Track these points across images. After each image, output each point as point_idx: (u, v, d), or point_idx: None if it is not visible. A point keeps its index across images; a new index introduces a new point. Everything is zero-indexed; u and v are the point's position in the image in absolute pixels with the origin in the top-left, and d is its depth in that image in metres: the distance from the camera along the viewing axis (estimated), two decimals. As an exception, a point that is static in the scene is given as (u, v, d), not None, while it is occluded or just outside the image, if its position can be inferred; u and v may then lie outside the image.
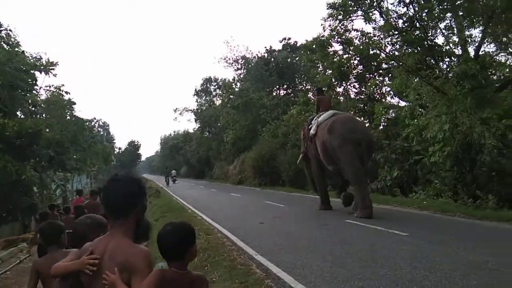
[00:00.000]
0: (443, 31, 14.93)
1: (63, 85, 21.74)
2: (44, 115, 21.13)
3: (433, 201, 12.17)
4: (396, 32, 15.25)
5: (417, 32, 14.83)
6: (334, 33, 17.03)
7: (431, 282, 4.74)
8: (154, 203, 17.95)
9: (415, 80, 15.00)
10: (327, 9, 16.36)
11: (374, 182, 16.26)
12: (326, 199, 12.53)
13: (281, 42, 35.08)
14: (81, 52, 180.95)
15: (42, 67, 19.13)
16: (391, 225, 8.66)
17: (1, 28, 18.39)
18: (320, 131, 11.41)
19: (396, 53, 16.02)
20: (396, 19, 15.09)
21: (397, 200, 13.30)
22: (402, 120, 16.26)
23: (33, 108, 20.68)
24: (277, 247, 7.16)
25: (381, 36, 15.69)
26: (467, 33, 14.55)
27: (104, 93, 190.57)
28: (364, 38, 16.19)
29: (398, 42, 15.49)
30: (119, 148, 72.44)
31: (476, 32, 14.64)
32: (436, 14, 14.18)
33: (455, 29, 14.59)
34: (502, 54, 15.09)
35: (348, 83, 19.89)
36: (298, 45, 33.46)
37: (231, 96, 34.99)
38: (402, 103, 18.38)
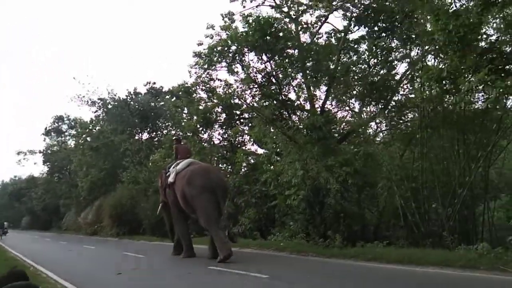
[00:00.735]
0: (295, 88, 16.84)
1: None
2: None
3: (289, 242, 12.99)
4: (256, 86, 16.58)
5: (273, 87, 16.38)
6: (199, 80, 17.58)
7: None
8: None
9: (272, 130, 16.33)
10: (193, 57, 16.90)
11: (236, 226, 16.69)
12: (189, 245, 12.26)
13: (145, 85, 34.31)
14: None
15: None
16: (252, 268, 8.86)
17: None
18: (179, 180, 11.77)
19: (255, 104, 17.32)
20: (255, 73, 16.46)
21: (257, 243, 13.83)
22: (261, 166, 17.34)
23: None
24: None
25: (243, 87, 16.82)
26: (314, 91, 16.68)
27: None
28: (227, 88, 17.11)
29: (258, 95, 16.83)
30: None
31: (321, 92, 16.90)
32: (288, 73, 16.00)
33: (304, 86, 16.59)
34: (342, 110, 17.71)
35: (212, 130, 20.47)
36: (163, 90, 33.34)
37: (88, 139, 32.39)
38: (261, 151, 19.69)
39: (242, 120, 20.47)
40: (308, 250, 11.41)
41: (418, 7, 11.95)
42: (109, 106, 32.66)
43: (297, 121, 16.39)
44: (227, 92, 16.88)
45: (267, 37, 14.61)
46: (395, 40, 15.14)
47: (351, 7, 15.78)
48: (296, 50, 15.95)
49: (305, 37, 16.54)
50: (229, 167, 20.27)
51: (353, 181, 13.22)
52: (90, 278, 9.43)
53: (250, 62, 15.94)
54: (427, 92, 12.28)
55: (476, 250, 8.56)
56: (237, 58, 15.85)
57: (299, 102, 16.91)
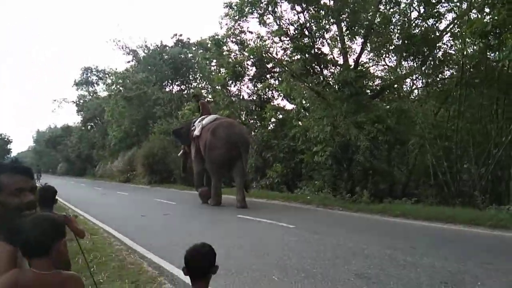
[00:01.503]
0: (329, 41, 16.28)
1: None
2: None
3: (315, 196, 13.17)
4: (287, 38, 16.12)
5: (306, 39, 15.88)
6: (230, 32, 17.26)
7: (317, 270, 5.11)
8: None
9: (300, 85, 16.06)
10: (224, 7, 16.51)
11: (263, 179, 17.03)
12: (216, 193, 12.68)
13: (172, 38, 33.86)
14: None
15: None
16: (279, 218, 9.13)
17: None
18: (204, 133, 12.70)
19: (286, 57, 16.94)
20: (288, 25, 15.95)
21: (284, 195, 14.09)
22: (289, 121, 17.29)
23: None
24: (170, 244, 6.95)
25: (274, 40, 16.41)
26: (349, 44, 16.09)
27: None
28: (258, 41, 16.75)
29: (289, 48, 16.41)
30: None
31: (356, 45, 16.26)
32: (322, 25, 15.39)
33: (338, 39, 15.99)
34: (378, 65, 17.04)
35: (242, 83, 20.32)
36: (191, 42, 32.92)
37: (121, 89, 32.79)
38: (289, 106, 19.51)
39: (272, 74, 20.15)
40: (335, 204, 11.56)
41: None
42: (143, 55, 32.79)
43: (330, 76, 16.02)
44: (258, 44, 16.55)
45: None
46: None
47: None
48: (332, 1, 15.27)
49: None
50: (257, 122, 20.27)
51: (384, 138, 13.04)
52: (126, 221, 9.99)
53: (283, 12, 15.44)
54: (470, 48, 11.65)
55: (508, 211, 8.43)
56: (269, 8, 15.37)
57: (332, 56, 16.42)
